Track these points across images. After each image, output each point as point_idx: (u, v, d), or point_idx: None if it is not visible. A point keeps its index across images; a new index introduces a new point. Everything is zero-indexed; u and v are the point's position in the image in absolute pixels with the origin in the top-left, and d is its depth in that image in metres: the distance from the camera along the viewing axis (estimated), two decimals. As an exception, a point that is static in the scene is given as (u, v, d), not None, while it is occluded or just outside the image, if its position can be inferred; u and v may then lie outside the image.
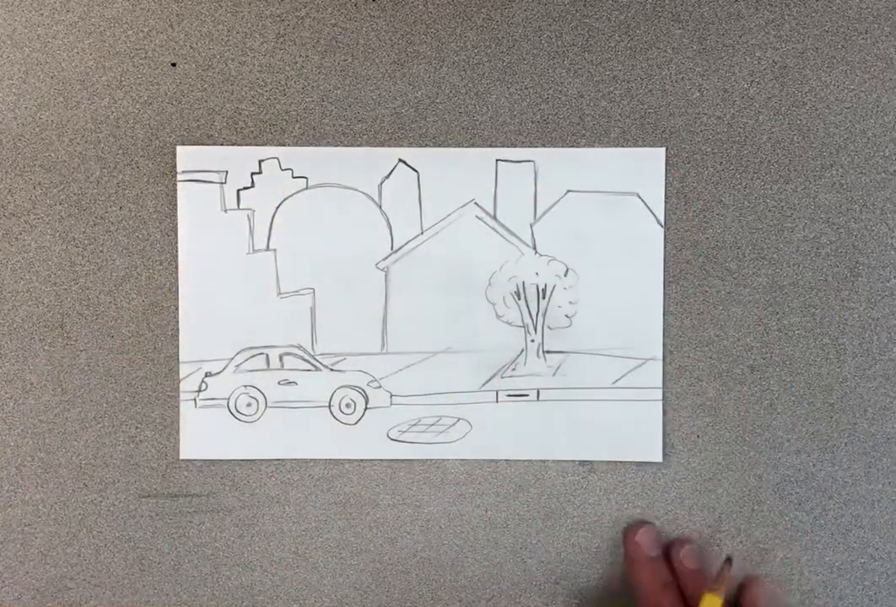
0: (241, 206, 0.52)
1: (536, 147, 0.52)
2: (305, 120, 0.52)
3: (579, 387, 0.52)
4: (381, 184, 0.52)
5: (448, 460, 0.52)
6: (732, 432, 0.52)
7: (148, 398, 0.52)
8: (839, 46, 0.51)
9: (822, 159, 0.52)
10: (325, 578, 0.53)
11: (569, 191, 0.52)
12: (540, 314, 0.52)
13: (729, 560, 0.47)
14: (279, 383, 0.52)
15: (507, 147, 0.52)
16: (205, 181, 0.52)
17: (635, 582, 0.49)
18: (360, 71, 0.52)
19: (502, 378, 0.52)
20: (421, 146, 0.52)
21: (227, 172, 0.52)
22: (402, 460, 0.52)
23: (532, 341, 0.52)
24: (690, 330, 0.52)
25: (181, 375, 0.52)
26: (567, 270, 0.52)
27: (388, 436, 0.52)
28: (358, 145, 0.52)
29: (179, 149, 0.52)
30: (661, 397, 0.52)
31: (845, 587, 0.52)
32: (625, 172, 0.52)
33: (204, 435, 0.52)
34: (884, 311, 0.52)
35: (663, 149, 0.52)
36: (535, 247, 0.52)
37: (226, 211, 0.52)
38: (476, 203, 0.52)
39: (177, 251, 0.52)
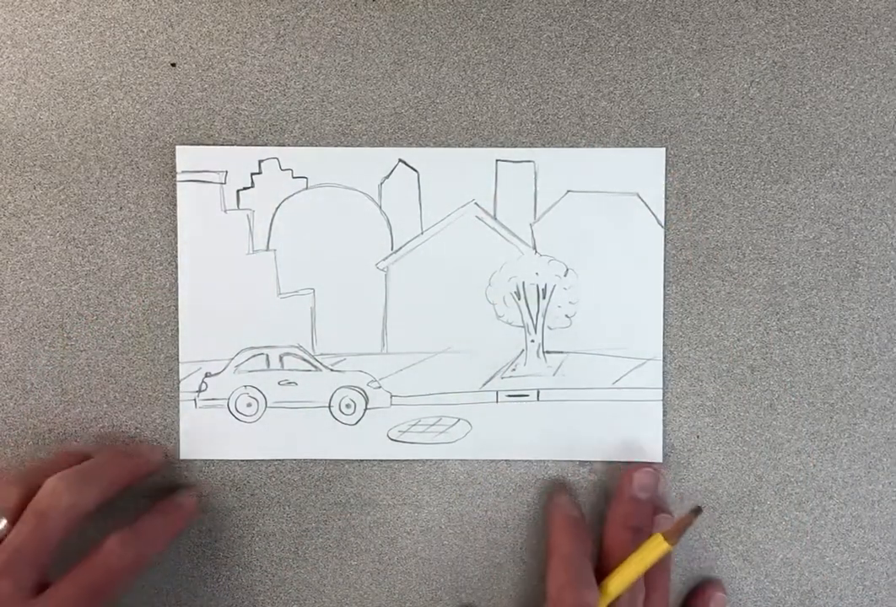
0: (241, 207, 0.52)
1: (536, 147, 0.52)
2: (305, 120, 0.52)
3: (579, 387, 0.52)
4: (381, 184, 0.52)
5: (448, 460, 0.52)
6: (732, 432, 0.52)
7: (148, 398, 0.52)
8: (839, 46, 0.51)
9: (822, 159, 0.52)
10: (325, 578, 0.53)
11: (569, 191, 0.52)
12: (540, 314, 0.52)
13: (697, 510, 0.45)
14: (279, 383, 0.52)
15: (507, 147, 0.52)
16: (205, 181, 0.52)
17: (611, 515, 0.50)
18: (360, 71, 0.52)
19: (502, 378, 0.52)
20: (421, 146, 0.52)
21: (226, 172, 0.52)
22: (402, 460, 0.52)
23: (532, 341, 0.52)
24: (690, 330, 0.52)
25: (181, 375, 0.52)
26: (567, 270, 0.52)
27: (388, 436, 0.52)
28: (358, 145, 0.52)
29: (179, 149, 0.52)
30: (661, 397, 0.52)
31: (845, 587, 0.52)
32: (625, 172, 0.52)
33: (204, 435, 0.52)
34: (884, 311, 0.52)
35: (663, 149, 0.52)
36: (535, 247, 0.52)
37: (226, 211, 0.52)
38: (476, 203, 0.52)
39: (177, 251, 0.52)
